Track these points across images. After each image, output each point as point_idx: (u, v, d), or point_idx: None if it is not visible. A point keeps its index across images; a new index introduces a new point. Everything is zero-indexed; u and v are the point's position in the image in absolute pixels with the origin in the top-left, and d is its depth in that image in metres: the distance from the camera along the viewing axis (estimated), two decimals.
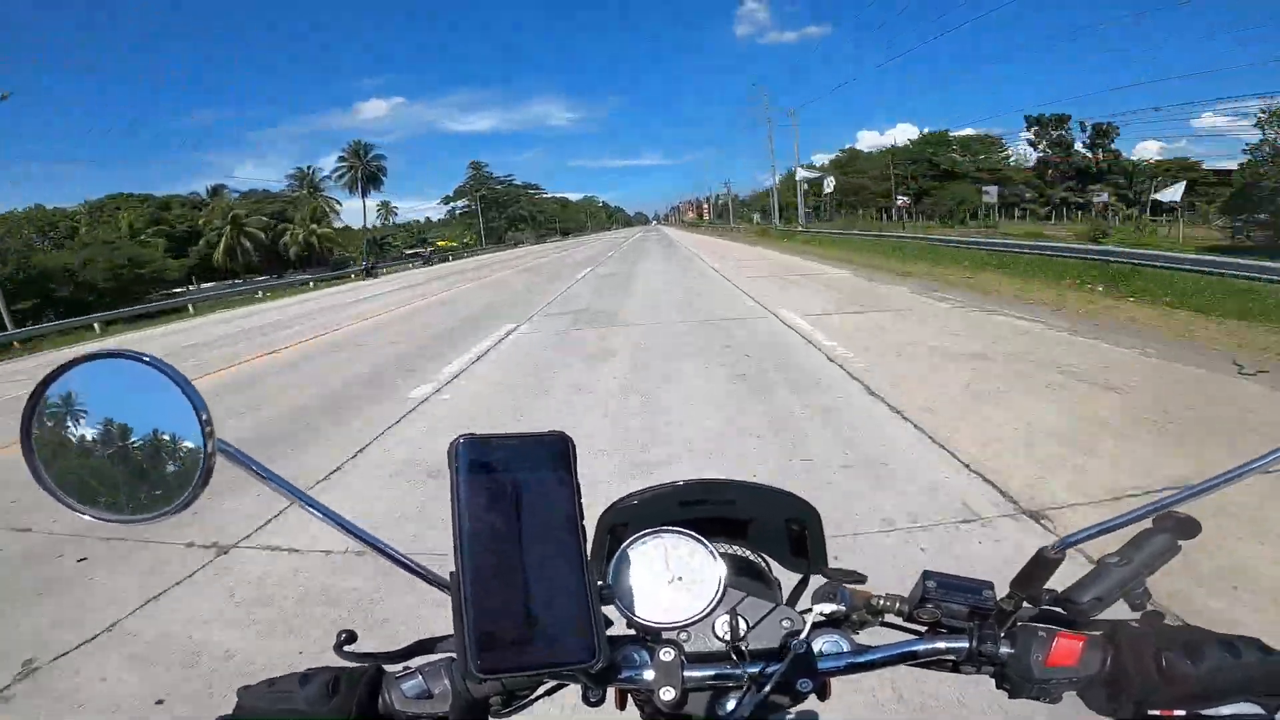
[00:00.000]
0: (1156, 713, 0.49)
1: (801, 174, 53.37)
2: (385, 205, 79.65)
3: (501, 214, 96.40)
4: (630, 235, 74.36)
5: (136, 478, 0.50)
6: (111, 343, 16.27)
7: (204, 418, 0.49)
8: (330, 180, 62.46)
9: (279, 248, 49.30)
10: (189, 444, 0.50)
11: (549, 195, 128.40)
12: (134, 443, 0.50)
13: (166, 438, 0.50)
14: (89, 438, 0.50)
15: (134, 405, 0.50)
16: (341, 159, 64.51)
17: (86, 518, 0.50)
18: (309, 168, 61.74)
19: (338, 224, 58.79)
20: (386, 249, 62.10)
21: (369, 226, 63.69)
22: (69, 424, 0.50)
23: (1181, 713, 0.48)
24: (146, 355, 0.50)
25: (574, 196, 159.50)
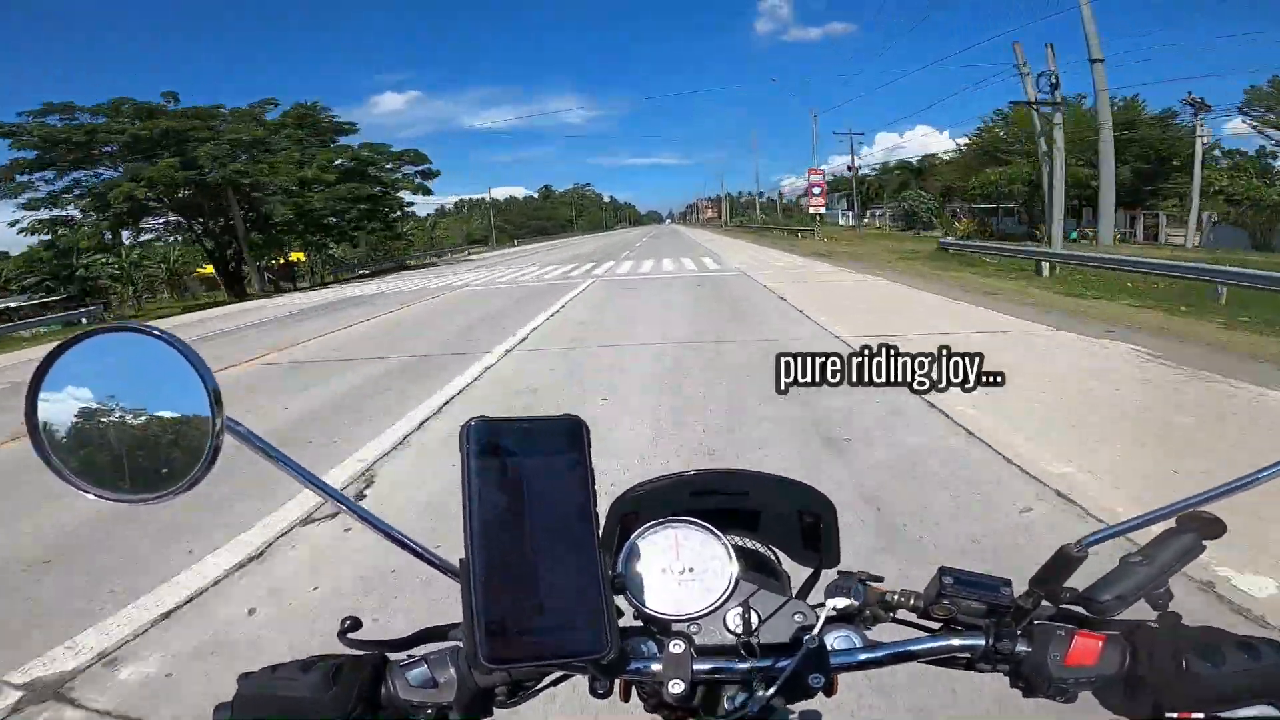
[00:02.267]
0: (1174, 715, 0.48)
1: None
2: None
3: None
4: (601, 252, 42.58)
5: (143, 455, 0.49)
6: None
7: (213, 395, 0.48)
8: None
9: None
10: (198, 421, 0.49)
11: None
12: (141, 420, 0.49)
13: (175, 415, 0.49)
14: (95, 414, 0.49)
15: (143, 381, 0.49)
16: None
17: (89, 496, 0.49)
18: None
19: None
20: None
21: None
22: (75, 400, 0.49)
23: (1200, 715, 0.48)
24: (156, 329, 0.49)
25: (562, 187, 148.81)
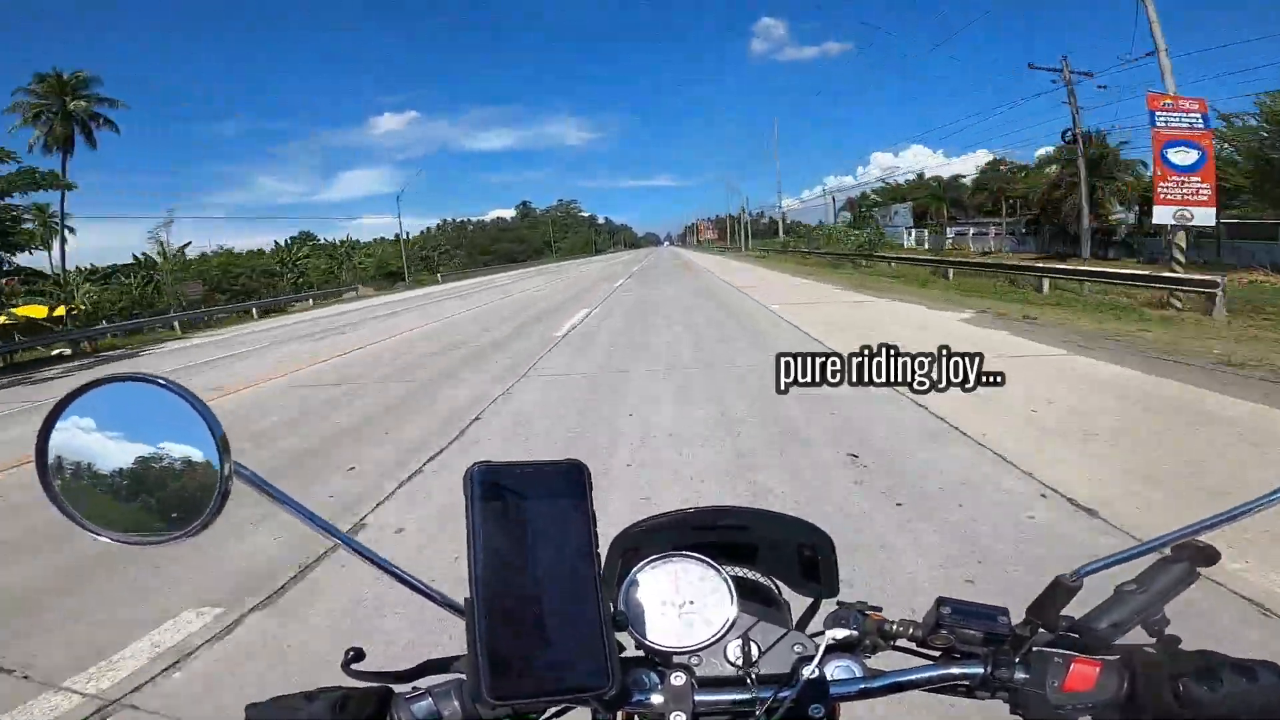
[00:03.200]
0: None
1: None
2: None
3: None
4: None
5: (153, 501, 0.50)
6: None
7: (220, 441, 0.49)
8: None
9: None
10: (206, 467, 0.50)
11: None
12: (150, 466, 0.50)
13: (183, 461, 0.50)
14: (105, 461, 0.50)
15: (151, 428, 0.50)
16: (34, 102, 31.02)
17: (102, 539, 0.50)
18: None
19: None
20: None
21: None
22: (85, 447, 0.50)
23: None
24: (162, 379, 0.50)
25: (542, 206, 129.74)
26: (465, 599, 0.49)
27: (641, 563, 0.62)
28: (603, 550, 0.55)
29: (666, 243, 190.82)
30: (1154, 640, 0.55)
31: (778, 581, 0.72)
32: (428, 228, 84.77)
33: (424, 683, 0.57)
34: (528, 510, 0.51)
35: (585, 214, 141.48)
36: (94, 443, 0.50)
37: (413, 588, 0.57)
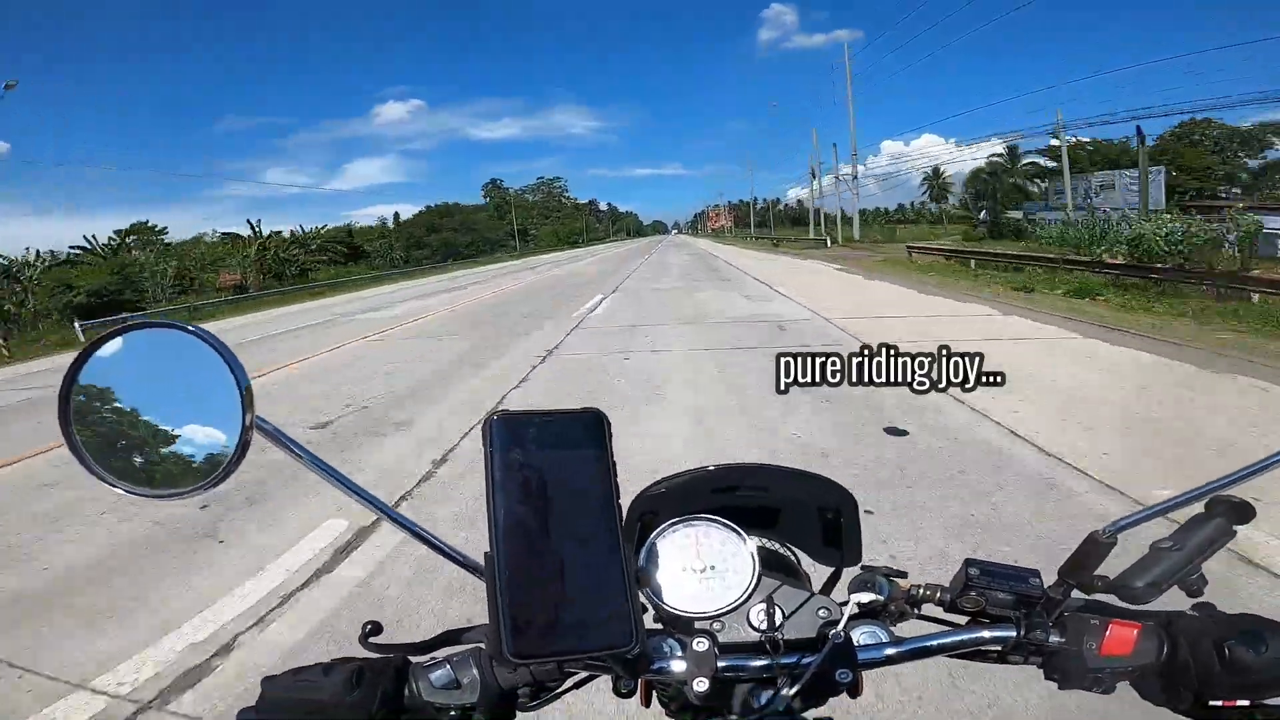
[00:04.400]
0: (1218, 704, 0.47)
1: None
2: None
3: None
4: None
5: (172, 450, 0.50)
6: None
7: (245, 392, 0.48)
8: None
9: None
10: (228, 418, 0.49)
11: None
12: (172, 414, 0.49)
13: (205, 410, 0.49)
14: (127, 409, 0.49)
15: (175, 376, 0.50)
16: None
17: (119, 490, 0.49)
18: None
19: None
20: None
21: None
22: (108, 394, 0.49)
23: (1244, 703, 0.47)
24: (191, 325, 0.49)
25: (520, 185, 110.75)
26: (485, 554, 0.48)
27: (661, 527, 0.61)
28: (623, 503, 0.54)
29: (674, 231, 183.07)
30: (1191, 602, 0.54)
31: (798, 551, 0.70)
32: (396, 214, 70.57)
33: (442, 653, 0.57)
34: (548, 462, 0.50)
35: (570, 196, 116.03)
36: (117, 390, 0.49)
37: (434, 547, 0.57)
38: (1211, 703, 0.48)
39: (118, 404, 0.49)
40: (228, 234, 44.75)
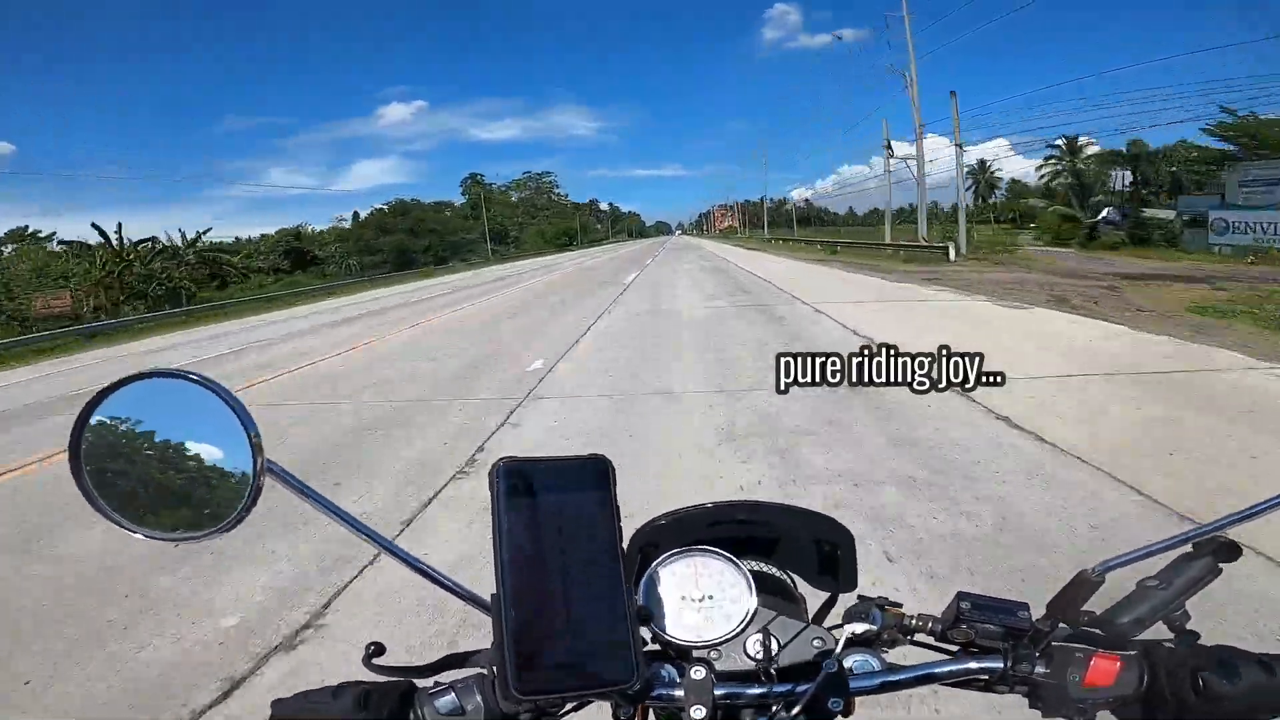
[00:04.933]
0: None
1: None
2: None
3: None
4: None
5: (186, 496, 0.51)
6: None
7: (254, 438, 0.50)
8: None
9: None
10: (239, 464, 0.50)
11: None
12: (184, 462, 0.51)
13: (217, 458, 0.51)
14: (139, 456, 0.51)
15: (185, 424, 0.51)
16: None
17: (137, 536, 0.51)
18: None
19: None
20: None
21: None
22: (119, 442, 0.50)
23: None
24: (197, 375, 0.51)
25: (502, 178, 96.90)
26: (492, 595, 0.50)
27: (661, 557, 0.62)
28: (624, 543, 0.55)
29: (678, 231, 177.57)
30: (1174, 636, 0.55)
31: (795, 576, 0.72)
32: (354, 213, 62.73)
33: (446, 677, 0.58)
34: (553, 506, 0.51)
35: (561, 193, 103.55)
36: (128, 437, 0.51)
37: (441, 585, 0.58)
38: None
39: (129, 452, 0.51)
40: (68, 243, 33.45)
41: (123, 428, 0.50)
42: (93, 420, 0.50)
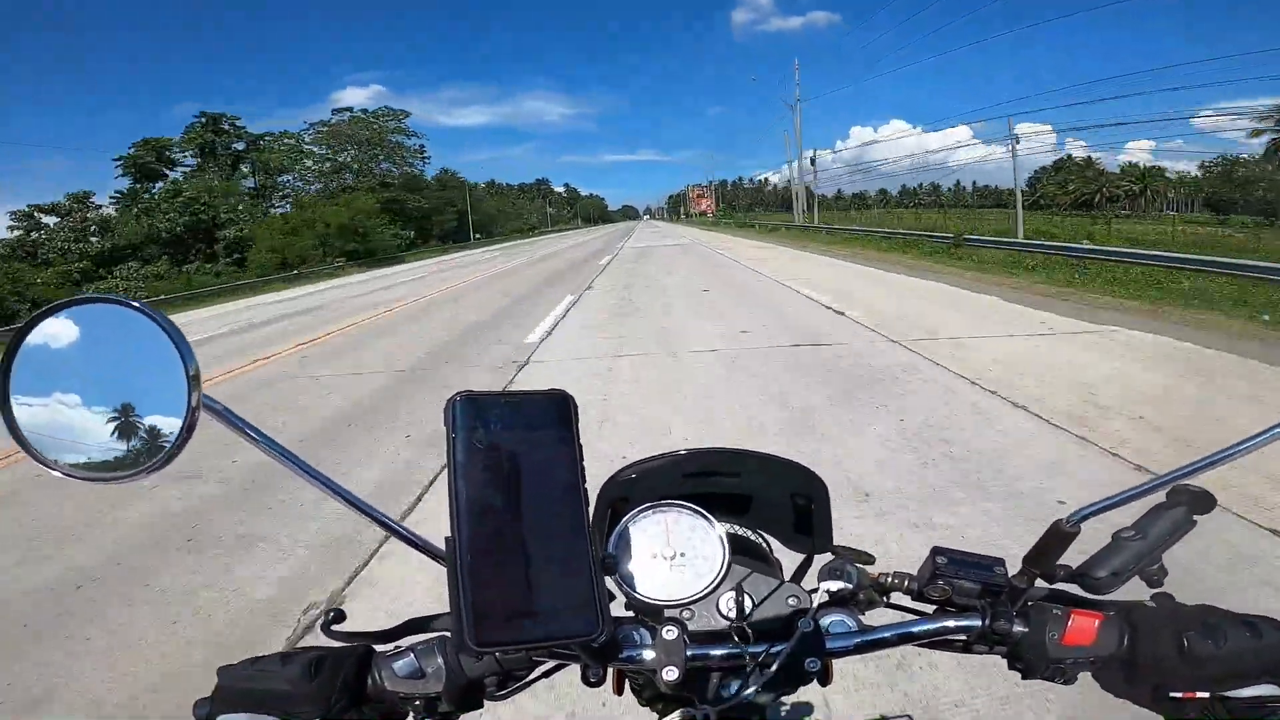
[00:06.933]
0: (1177, 695, 0.48)
1: None
2: None
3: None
4: None
5: (115, 431, 0.48)
6: None
7: (191, 370, 0.46)
8: None
9: None
10: (173, 397, 0.47)
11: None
12: (115, 394, 0.47)
13: (150, 390, 0.47)
14: (68, 387, 0.47)
15: (119, 354, 0.48)
16: None
17: (56, 473, 0.47)
18: None
19: None
20: None
21: None
22: (48, 371, 0.47)
23: (1204, 695, 0.47)
24: (136, 301, 0.47)
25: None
26: (446, 538, 0.47)
27: (631, 513, 0.60)
28: (591, 489, 0.53)
29: (646, 216, 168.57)
30: (1152, 591, 0.54)
31: (770, 538, 0.70)
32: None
33: (406, 641, 0.56)
34: (512, 445, 0.48)
35: (415, 140, 61.71)
36: (58, 367, 0.47)
37: (392, 531, 0.55)
38: (1171, 694, 0.48)
39: (59, 382, 0.47)
40: None
41: (54, 358, 0.47)
42: (22, 348, 0.47)
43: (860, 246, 21.80)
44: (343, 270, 33.14)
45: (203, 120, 50.36)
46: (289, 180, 55.26)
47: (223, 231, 40.87)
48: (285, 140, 55.72)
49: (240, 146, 52.46)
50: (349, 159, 57.46)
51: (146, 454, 0.47)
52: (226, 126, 51.22)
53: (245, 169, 52.53)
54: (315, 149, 56.63)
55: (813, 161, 40.98)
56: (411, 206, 54.30)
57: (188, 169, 48.79)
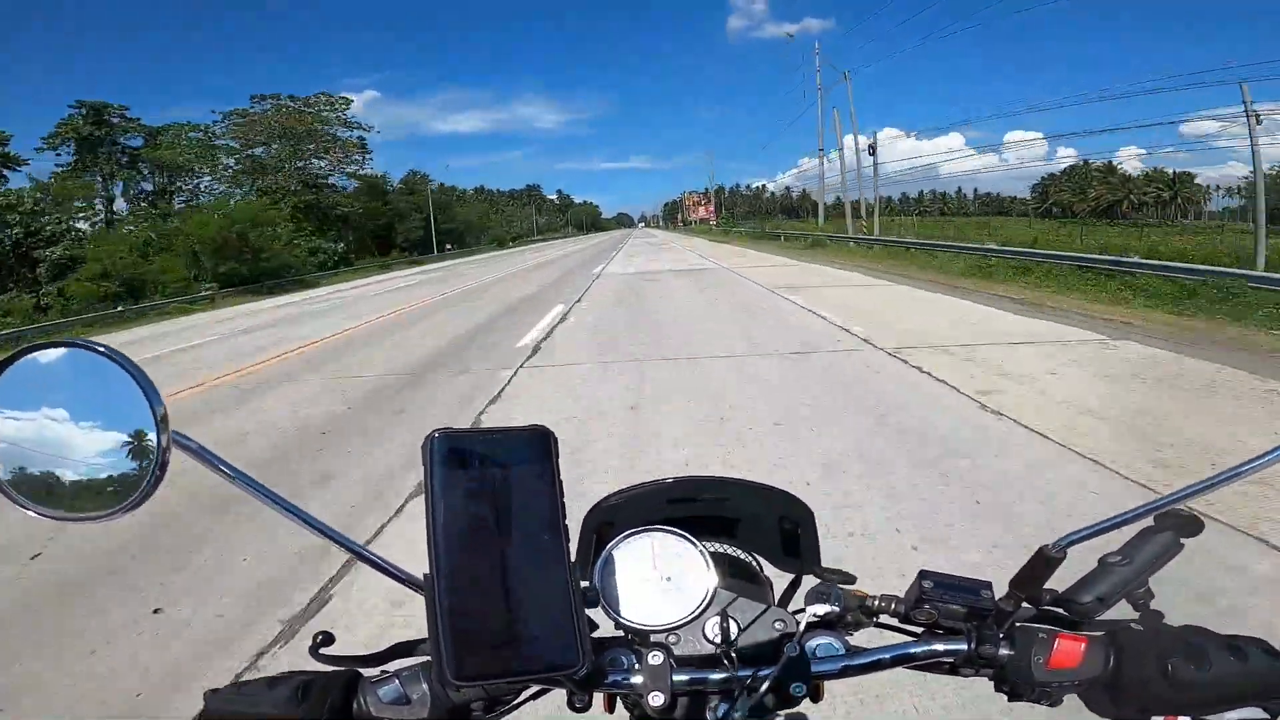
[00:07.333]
0: (1161, 718, 0.48)
1: None
2: None
3: None
4: None
5: (88, 473, 0.48)
6: None
7: (159, 411, 0.46)
8: None
9: None
10: (144, 438, 0.47)
11: None
12: (85, 437, 0.47)
13: (120, 431, 0.48)
14: (38, 431, 0.47)
15: (86, 397, 0.47)
16: None
17: (30, 514, 0.47)
18: None
19: None
20: None
21: None
22: (15, 416, 0.47)
23: (1187, 718, 0.47)
24: (101, 345, 0.47)
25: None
26: (425, 574, 0.47)
27: (617, 537, 0.60)
28: (573, 522, 0.53)
29: (641, 224, 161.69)
30: (1137, 615, 0.54)
31: (758, 557, 0.70)
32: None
33: (392, 666, 0.55)
34: (491, 480, 0.49)
35: (355, 130, 50.95)
36: (25, 412, 0.47)
37: (370, 563, 0.55)
38: (1155, 717, 0.48)
39: (27, 427, 0.47)
40: None
41: (20, 402, 0.47)
42: None
43: (1004, 279, 12.51)
44: (210, 302, 23.35)
45: (82, 111, 39.43)
46: (208, 183, 45.25)
47: (46, 251, 29.48)
48: (190, 134, 44.78)
49: (138, 143, 42.24)
50: (270, 155, 46.27)
51: (120, 495, 0.47)
52: (114, 119, 40.83)
53: (144, 169, 42.86)
54: (233, 144, 45.97)
55: (872, 150, 29.37)
56: (345, 212, 45.95)
57: (63, 168, 38.38)
